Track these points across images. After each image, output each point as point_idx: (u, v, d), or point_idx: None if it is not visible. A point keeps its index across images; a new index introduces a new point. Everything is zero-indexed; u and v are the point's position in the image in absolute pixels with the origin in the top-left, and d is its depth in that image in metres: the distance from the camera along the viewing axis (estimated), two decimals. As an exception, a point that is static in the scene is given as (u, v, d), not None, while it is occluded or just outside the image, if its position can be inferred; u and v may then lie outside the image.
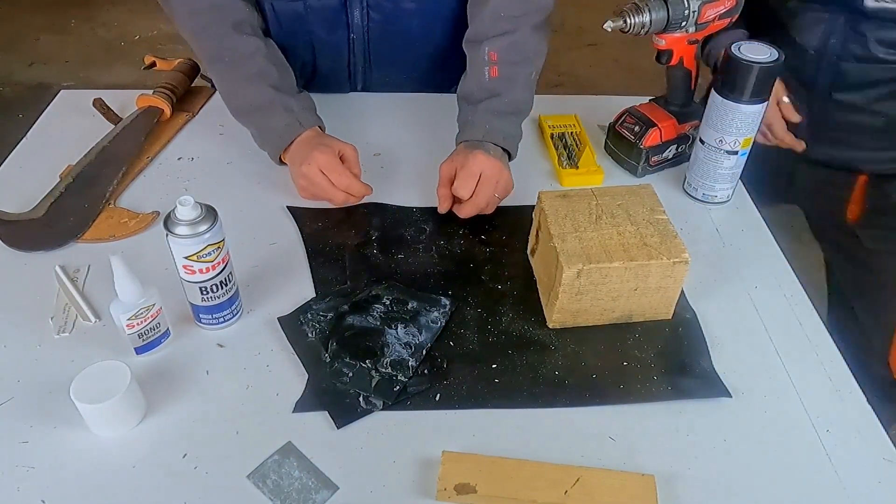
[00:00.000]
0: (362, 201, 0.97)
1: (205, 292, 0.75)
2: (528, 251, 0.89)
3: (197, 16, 0.98)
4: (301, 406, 0.71)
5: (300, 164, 0.92)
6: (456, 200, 0.95)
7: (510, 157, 0.99)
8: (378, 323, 0.79)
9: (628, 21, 0.90)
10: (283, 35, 1.06)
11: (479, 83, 1.00)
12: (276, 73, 0.98)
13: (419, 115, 1.10)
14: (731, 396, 0.74)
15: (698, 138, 0.98)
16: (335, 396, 0.72)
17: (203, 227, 0.70)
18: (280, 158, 0.99)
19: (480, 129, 0.97)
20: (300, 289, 0.84)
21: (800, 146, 1.10)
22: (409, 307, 0.81)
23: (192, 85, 1.20)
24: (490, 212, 0.95)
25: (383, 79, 1.17)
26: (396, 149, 1.08)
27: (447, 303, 0.82)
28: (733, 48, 0.90)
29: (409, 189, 1.00)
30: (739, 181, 1.01)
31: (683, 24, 0.92)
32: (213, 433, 0.69)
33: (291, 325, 0.79)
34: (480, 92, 0.99)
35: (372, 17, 1.06)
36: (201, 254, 0.71)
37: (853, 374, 0.78)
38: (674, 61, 0.98)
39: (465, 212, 0.93)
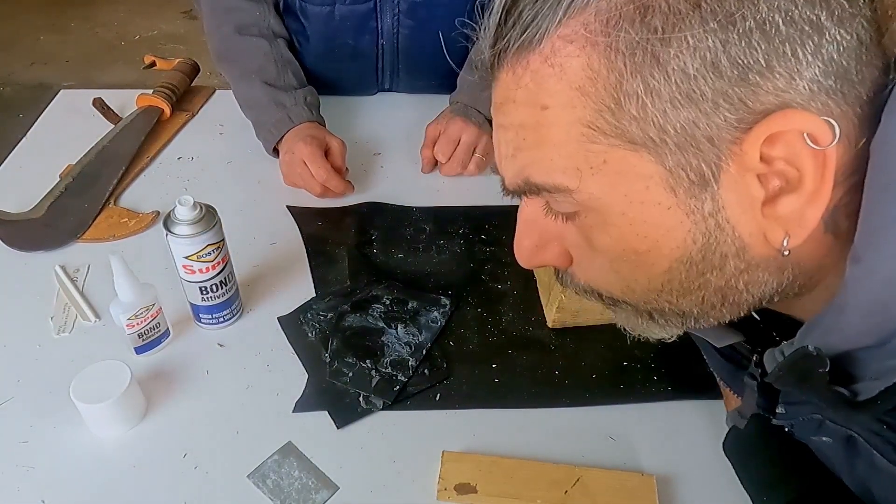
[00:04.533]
0: (362, 201, 0.97)
1: (205, 292, 0.75)
2: (528, 251, 0.89)
3: (209, 17, 1.05)
4: (301, 406, 0.71)
5: (284, 152, 0.98)
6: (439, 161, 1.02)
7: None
8: (378, 323, 0.79)
9: None
10: (312, 38, 1.08)
11: None
12: (273, 71, 1.02)
13: (419, 115, 1.09)
14: (731, 396, 0.74)
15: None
16: (335, 396, 0.72)
17: (203, 227, 0.70)
18: (275, 149, 1.02)
19: (468, 96, 1.05)
20: (300, 289, 0.84)
21: None
22: (408, 307, 0.81)
23: (192, 85, 1.20)
24: (476, 174, 1.01)
25: (411, 84, 1.18)
26: (396, 149, 1.08)
27: (447, 303, 0.82)
28: None
29: (409, 189, 1.00)
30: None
31: None
32: (213, 433, 0.69)
33: (291, 325, 0.79)
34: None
35: (403, 23, 1.06)
36: (201, 254, 0.71)
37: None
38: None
39: (445, 171, 1.02)
